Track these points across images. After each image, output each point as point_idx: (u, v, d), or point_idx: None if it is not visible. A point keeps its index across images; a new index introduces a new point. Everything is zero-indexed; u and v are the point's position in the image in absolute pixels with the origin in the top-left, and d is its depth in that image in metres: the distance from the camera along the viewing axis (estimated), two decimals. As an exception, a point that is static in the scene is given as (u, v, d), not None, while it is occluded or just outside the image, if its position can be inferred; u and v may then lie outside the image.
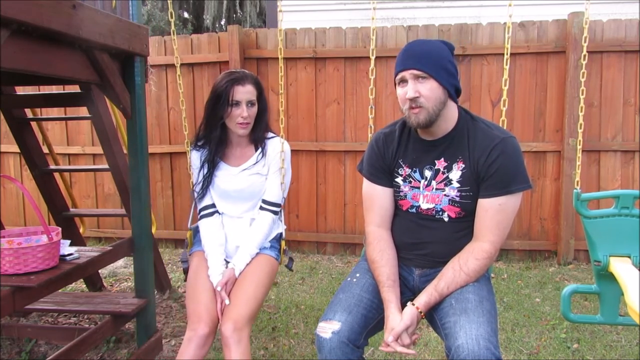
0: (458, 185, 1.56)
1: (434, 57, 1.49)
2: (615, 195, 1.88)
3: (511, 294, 3.38)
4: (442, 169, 1.58)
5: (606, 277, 1.90)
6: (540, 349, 2.58)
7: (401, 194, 1.65)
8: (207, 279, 1.90)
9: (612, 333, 2.73)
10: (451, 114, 1.57)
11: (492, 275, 3.56)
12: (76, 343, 2.10)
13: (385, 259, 1.61)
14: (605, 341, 2.64)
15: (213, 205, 2.06)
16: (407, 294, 1.68)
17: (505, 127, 1.80)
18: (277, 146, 2.04)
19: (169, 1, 2.17)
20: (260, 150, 2.03)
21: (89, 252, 2.21)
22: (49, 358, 1.99)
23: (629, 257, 1.86)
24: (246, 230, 2.02)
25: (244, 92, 1.93)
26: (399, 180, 1.66)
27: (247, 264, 1.94)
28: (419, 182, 1.62)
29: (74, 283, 3.08)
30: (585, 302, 3.21)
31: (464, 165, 1.55)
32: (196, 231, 2.12)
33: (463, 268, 1.51)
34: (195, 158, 2.06)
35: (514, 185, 1.50)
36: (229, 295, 1.84)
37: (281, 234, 2.11)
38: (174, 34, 2.21)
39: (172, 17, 2.21)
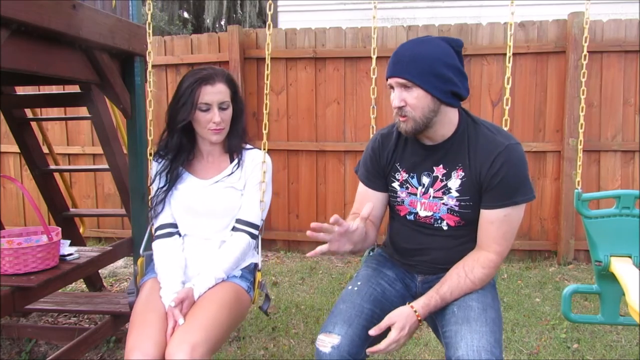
0: (457, 194, 1.48)
1: (423, 63, 1.38)
2: (616, 195, 1.87)
3: (511, 294, 3.38)
4: (440, 177, 1.51)
5: (607, 277, 1.89)
6: (540, 349, 2.58)
7: (398, 199, 1.59)
8: (158, 300, 1.53)
9: (612, 333, 2.73)
10: (449, 119, 1.47)
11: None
12: (76, 343, 2.10)
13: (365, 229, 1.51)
14: (606, 341, 2.64)
15: (172, 225, 1.72)
16: (410, 301, 1.61)
17: (506, 127, 1.78)
18: (258, 157, 1.75)
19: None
20: (236, 160, 1.73)
21: (89, 252, 2.21)
22: (49, 358, 1.99)
23: (630, 257, 1.86)
24: (213, 254, 1.68)
25: (215, 93, 1.62)
26: (395, 185, 1.58)
27: (210, 288, 1.58)
28: (416, 189, 1.55)
29: (74, 283, 3.08)
30: (585, 302, 3.21)
31: (463, 174, 1.47)
32: (150, 259, 1.75)
33: (469, 275, 1.46)
34: (154, 169, 1.75)
35: (519, 197, 1.43)
36: (183, 317, 1.48)
37: (256, 264, 1.77)
38: (149, 26, 1.90)
39: (149, 10, 1.91)
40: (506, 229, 1.45)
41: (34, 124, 3.09)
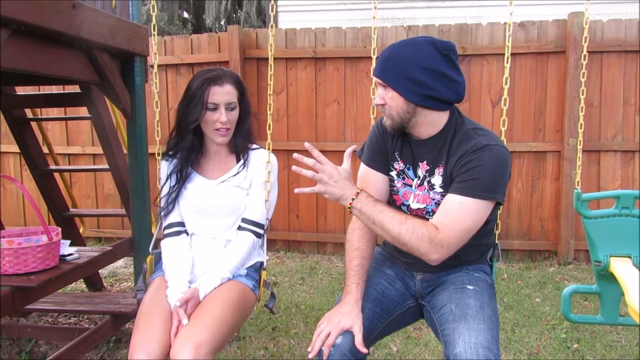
0: (441, 190, 1.49)
1: (397, 64, 1.40)
2: (616, 196, 1.87)
3: (511, 294, 3.38)
4: (424, 173, 1.52)
5: (607, 277, 1.89)
6: (540, 349, 2.58)
7: (394, 188, 1.60)
8: (164, 299, 1.56)
9: (612, 333, 2.73)
10: (432, 121, 1.47)
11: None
12: (76, 343, 2.10)
13: (368, 252, 1.56)
14: (605, 341, 2.64)
15: (180, 224, 1.75)
16: (410, 300, 1.63)
17: (505, 127, 1.74)
18: (263, 157, 1.76)
19: None
20: (242, 161, 1.76)
21: (89, 252, 2.21)
22: (49, 358, 1.99)
23: (630, 257, 1.86)
24: (219, 253, 1.70)
25: (223, 94, 1.66)
26: (393, 174, 1.59)
27: (215, 288, 1.60)
28: (412, 180, 1.55)
29: (74, 283, 3.08)
30: (585, 302, 3.21)
31: (443, 171, 1.48)
32: (159, 257, 1.77)
33: (409, 221, 1.37)
34: (164, 169, 1.77)
35: (479, 191, 1.37)
36: (188, 318, 1.49)
37: (262, 263, 1.78)
38: (154, 27, 2.02)
39: (152, 11, 1.91)
40: (456, 216, 1.38)
41: (34, 124, 3.09)
